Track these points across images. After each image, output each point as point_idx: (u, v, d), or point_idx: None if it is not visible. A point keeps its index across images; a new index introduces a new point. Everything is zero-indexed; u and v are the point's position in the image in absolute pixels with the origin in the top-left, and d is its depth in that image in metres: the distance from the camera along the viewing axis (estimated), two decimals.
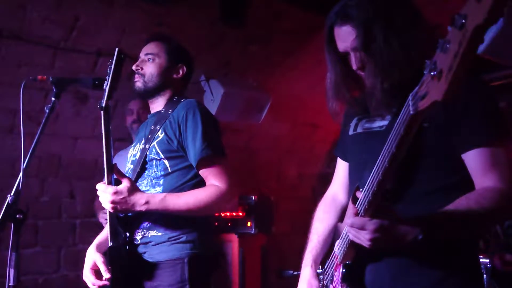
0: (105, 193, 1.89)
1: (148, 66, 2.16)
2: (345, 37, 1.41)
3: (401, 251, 1.35)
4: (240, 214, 4.43)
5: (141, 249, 2.04)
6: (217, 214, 4.18)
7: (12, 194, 1.62)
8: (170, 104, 2.16)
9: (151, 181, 2.06)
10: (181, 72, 2.22)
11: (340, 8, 1.42)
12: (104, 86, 1.91)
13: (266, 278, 4.59)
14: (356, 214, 1.29)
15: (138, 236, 2.05)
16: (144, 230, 2.04)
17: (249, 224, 4.41)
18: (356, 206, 1.30)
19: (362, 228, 1.25)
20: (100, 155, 4.00)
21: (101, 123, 1.94)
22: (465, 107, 1.33)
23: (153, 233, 2.03)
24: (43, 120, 1.78)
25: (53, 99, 1.84)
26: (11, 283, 1.58)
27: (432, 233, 1.25)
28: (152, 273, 1.97)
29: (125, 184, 1.90)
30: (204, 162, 1.99)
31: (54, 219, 3.93)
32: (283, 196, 5.11)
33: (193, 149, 2.00)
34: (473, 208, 1.26)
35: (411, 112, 1.06)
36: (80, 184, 4.05)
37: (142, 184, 2.08)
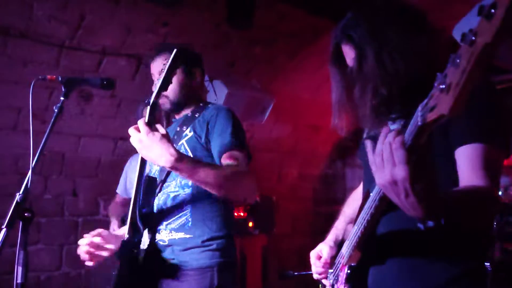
0: (139, 132, 1.73)
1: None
2: (348, 55, 1.46)
3: (405, 252, 1.36)
4: (242, 214, 4.44)
5: (168, 254, 2.01)
6: None
7: (21, 192, 1.62)
8: (197, 109, 2.16)
9: (180, 182, 2.03)
10: (198, 76, 2.21)
11: (342, 28, 1.47)
12: (157, 84, 1.85)
13: (267, 279, 4.60)
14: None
15: (165, 237, 2.02)
16: (173, 232, 2.02)
17: (250, 224, 4.42)
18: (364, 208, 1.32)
19: (397, 149, 1.03)
20: (102, 154, 4.04)
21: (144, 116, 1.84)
22: (467, 105, 1.33)
23: (180, 235, 2.01)
24: (52, 119, 1.77)
25: (62, 98, 1.83)
26: (18, 281, 1.58)
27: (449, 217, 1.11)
28: (179, 278, 1.96)
29: (162, 131, 1.75)
30: (229, 153, 1.97)
31: (57, 216, 3.95)
32: (284, 197, 5.12)
33: (221, 140, 1.98)
34: (460, 196, 1.23)
35: (419, 124, 1.07)
36: (83, 182, 4.06)
37: (171, 185, 2.05)
